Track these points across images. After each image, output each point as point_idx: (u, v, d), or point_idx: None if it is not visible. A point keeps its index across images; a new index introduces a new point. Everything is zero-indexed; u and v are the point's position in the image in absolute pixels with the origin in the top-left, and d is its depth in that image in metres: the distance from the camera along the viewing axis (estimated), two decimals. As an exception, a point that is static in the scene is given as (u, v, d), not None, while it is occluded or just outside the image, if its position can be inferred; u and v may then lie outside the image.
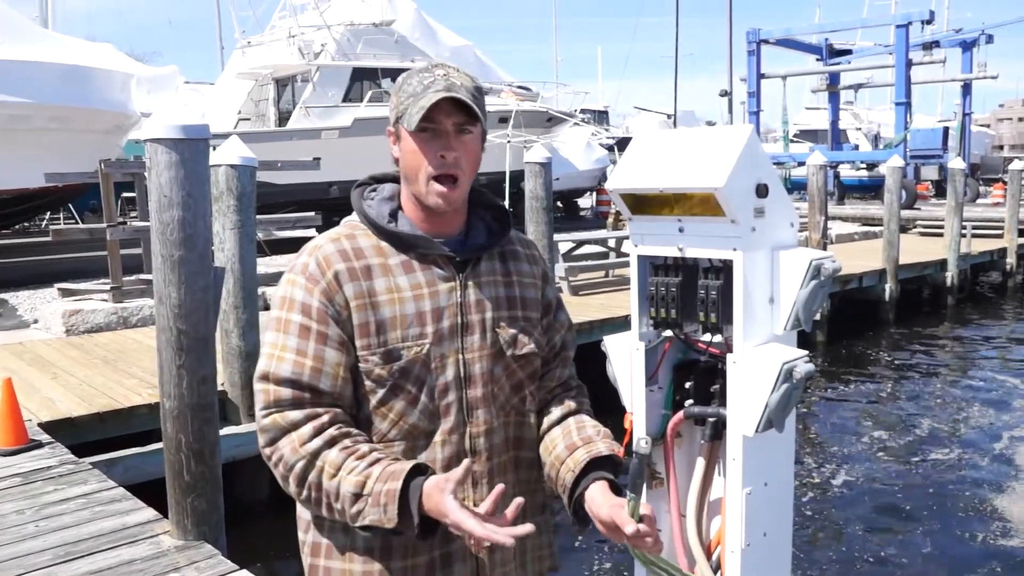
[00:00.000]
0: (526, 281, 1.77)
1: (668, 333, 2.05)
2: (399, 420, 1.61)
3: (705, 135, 1.93)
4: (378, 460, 1.54)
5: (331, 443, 1.54)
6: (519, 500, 1.50)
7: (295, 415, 1.55)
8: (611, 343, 2.14)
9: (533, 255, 1.83)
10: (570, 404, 1.81)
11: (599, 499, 1.62)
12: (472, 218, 1.75)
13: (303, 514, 1.71)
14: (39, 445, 5.10)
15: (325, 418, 1.56)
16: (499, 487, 1.52)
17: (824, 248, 12.52)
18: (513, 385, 1.69)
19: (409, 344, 1.60)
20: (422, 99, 1.58)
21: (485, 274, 1.71)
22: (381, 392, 1.60)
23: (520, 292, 1.75)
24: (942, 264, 15.47)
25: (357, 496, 1.51)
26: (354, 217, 1.72)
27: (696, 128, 2.32)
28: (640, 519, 1.51)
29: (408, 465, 1.52)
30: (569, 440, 1.73)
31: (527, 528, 1.47)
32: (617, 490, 1.65)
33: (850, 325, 13.09)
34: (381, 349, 1.59)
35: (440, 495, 1.48)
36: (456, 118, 1.61)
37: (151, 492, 4.59)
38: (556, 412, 1.79)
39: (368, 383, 1.60)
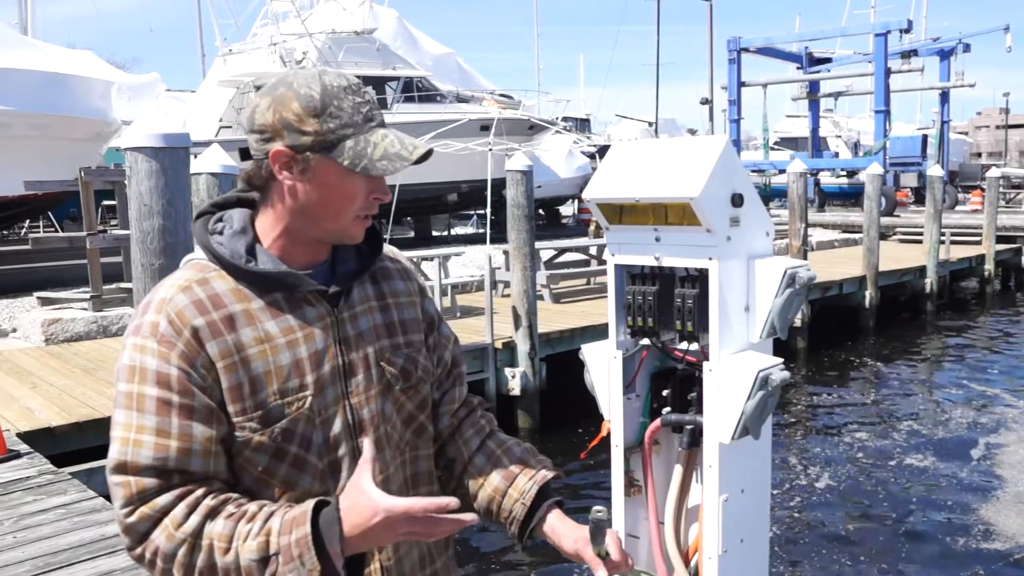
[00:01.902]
0: (403, 301, 1.58)
1: (645, 341, 2.07)
2: (287, 488, 1.39)
3: (681, 145, 1.95)
4: (274, 513, 1.31)
5: (212, 514, 1.31)
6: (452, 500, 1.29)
7: (164, 500, 1.31)
8: (589, 351, 2.16)
9: (405, 269, 1.63)
10: (482, 424, 1.69)
11: (560, 529, 1.57)
12: None
13: None
14: (17, 455, 5.06)
15: (199, 492, 1.32)
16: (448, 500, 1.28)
17: (804, 255, 12.61)
18: (404, 420, 1.53)
19: (289, 399, 1.38)
20: (374, 137, 1.38)
21: (359, 303, 1.50)
22: (264, 461, 1.38)
23: (398, 315, 1.56)
24: (921, 271, 15.61)
25: (264, 560, 1.27)
26: (199, 254, 1.45)
27: (672, 138, 2.34)
28: (606, 555, 1.51)
29: (310, 504, 1.29)
30: (503, 468, 1.63)
31: (471, 517, 1.31)
32: (565, 509, 1.61)
33: (830, 332, 13.18)
34: (258, 412, 1.36)
35: (362, 496, 1.26)
36: None
37: (131, 502, 4.56)
38: (473, 438, 1.66)
39: (247, 453, 1.38)
